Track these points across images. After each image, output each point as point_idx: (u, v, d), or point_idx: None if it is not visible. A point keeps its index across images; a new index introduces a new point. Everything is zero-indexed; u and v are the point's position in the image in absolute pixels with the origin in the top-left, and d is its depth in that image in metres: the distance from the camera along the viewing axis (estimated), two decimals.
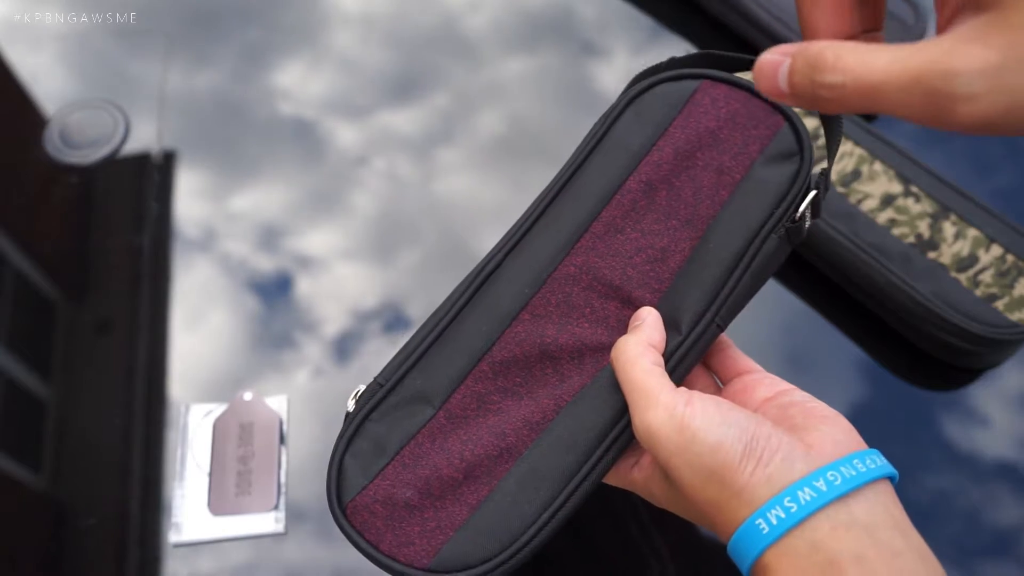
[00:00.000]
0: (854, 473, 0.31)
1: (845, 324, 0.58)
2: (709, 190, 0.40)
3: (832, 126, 0.40)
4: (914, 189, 0.56)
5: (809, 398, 0.36)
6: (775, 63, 0.28)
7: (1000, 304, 0.52)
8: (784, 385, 0.37)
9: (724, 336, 0.41)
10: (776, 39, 0.65)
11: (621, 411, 0.37)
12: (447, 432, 0.37)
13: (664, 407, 0.33)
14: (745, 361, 0.40)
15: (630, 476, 0.38)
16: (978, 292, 0.53)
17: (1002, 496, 0.53)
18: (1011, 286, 0.53)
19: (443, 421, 0.38)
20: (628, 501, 0.51)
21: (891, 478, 0.32)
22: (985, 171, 0.66)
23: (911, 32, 0.64)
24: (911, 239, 0.55)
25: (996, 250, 0.54)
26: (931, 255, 0.54)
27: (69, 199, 0.63)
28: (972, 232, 0.55)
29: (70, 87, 0.67)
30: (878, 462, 0.32)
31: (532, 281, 0.39)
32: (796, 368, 0.57)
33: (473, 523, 0.36)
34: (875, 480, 0.31)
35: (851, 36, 0.29)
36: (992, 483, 0.53)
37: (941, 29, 0.27)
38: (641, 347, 0.36)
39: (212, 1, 0.73)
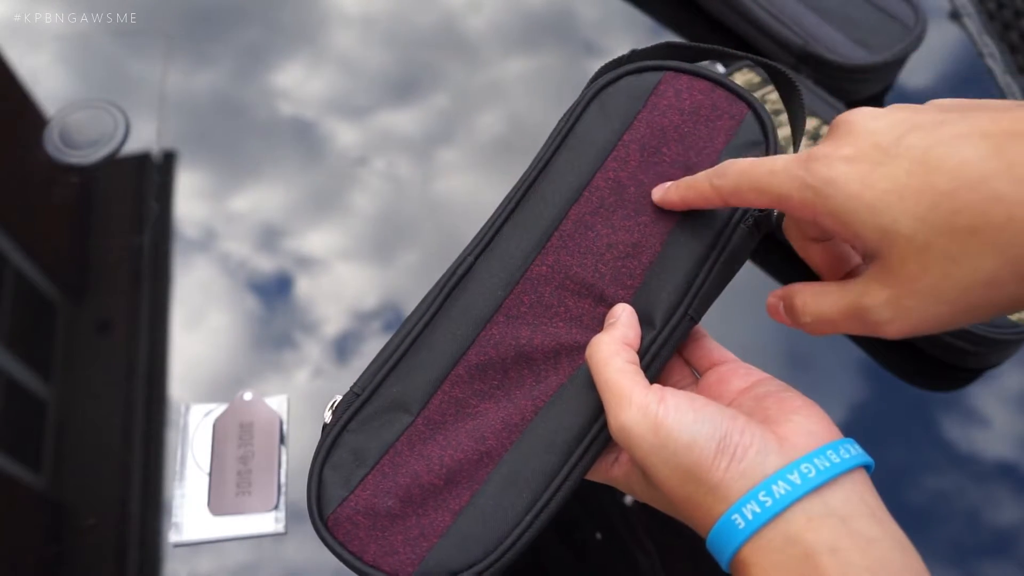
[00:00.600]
0: (827, 465, 0.31)
1: None
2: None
3: (794, 109, 0.40)
4: None
5: (784, 387, 0.36)
6: (775, 305, 0.37)
7: None
8: (759, 375, 0.37)
9: (699, 327, 0.41)
10: (776, 39, 0.65)
11: (599, 409, 0.36)
12: (426, 438, 0.37)
13: (638, 407, 0.33)
14: (720, 351, 0.40)
15: (610, 473, 0.38)
16: None
17: (1002, 496, 0.53)
18: None
19: (421, 428, 0.38)
20: (615, 501, 0.51)
21: (866, 467, 0.32)
22: None
23: (911, 33, 0.64)
24: None
25: None
26: None
27: (69, 199, 0.63)
28: None
29: (70, 87, 0.67)
30: (852, 452, 0.32)
31: (504, 283, 0.39)
32: (796, 368, 0.57)
33: (456, 529, 0.36)
34: (850, 470, 0.31)
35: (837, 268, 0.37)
36: (992, 483, 0.53)
37: (858, 268, 0.36)
38: (615, 346, 0.36)
39: (212, 1, 0.73)
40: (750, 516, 0.30)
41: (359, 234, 0.62)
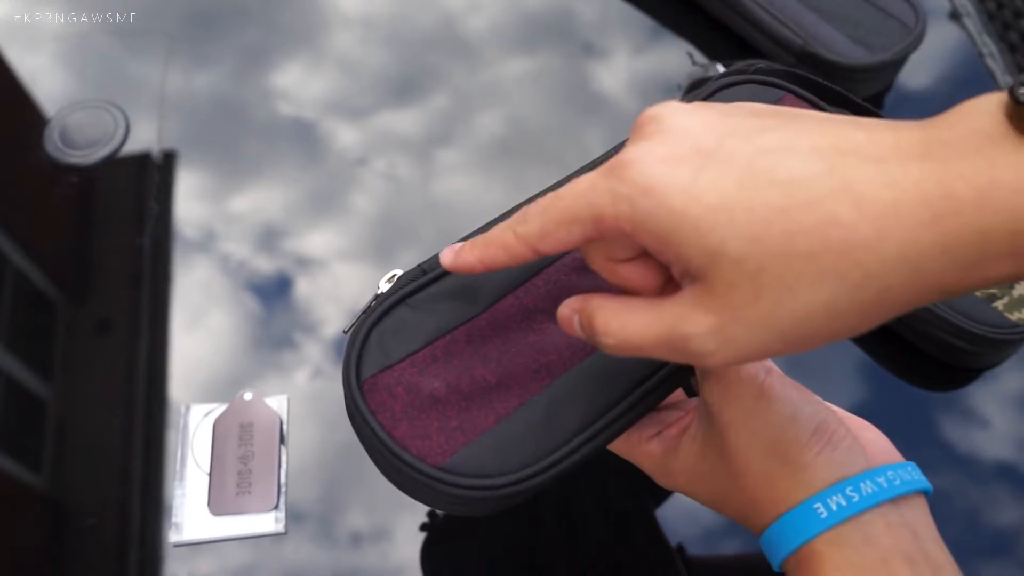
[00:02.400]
0: (908, 479, 0.31)
1: None
2: None
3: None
4: None
5: (843, 411, 0.36)
6: (569, 317, 0.31)
7: (1000, 304, 0.52)
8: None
9: None
10: (775, 39, 0.65)
11: (660, 362, 0.35)
12: (486, 336, 0.35)
13: (745, 369, 0.33)
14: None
15: (646, 447, 0.37)
16: (978, 292, 0.53)
17: (1002, 497, 0.53)
18: (1011, 286, 0.53)
19: (484, 324, 0.35)
20: (628, 498, 0.51)
21: (927, 493, 0.33)
22: None
23: (911, 33, 0.64)
24: None
25: None
26: None
27: (69, 199, 0.63)
28: None
29: (70, 87, 0.67)
30: (921, 475, 0.32)
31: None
32: (796, 368, 0.57)
33: (498, 432, 0.34)
34: (921, 491, 0.32)
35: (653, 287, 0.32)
36: (992, 484, 0.53)
37: (675, 282, 0.30)
38: None
39: (212, 1, 0.73)
40: (835, 507, 0.30)
41: (359, 234, 0.62)
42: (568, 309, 0.31)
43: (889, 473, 0.31)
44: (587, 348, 0.36)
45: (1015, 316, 0.52)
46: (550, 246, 0.30)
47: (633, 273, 0.31)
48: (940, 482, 0.53)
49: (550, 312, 0.36)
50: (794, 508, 0.31)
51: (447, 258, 0.33)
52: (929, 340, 0.54)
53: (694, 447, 0.35)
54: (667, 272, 0.31)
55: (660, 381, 0.35)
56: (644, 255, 0.31)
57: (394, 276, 0.36)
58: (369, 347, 0.35)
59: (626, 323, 0.29)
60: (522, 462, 0.33)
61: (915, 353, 0.56)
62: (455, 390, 0.34)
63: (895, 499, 0.31)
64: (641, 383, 0.35)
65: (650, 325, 0.28)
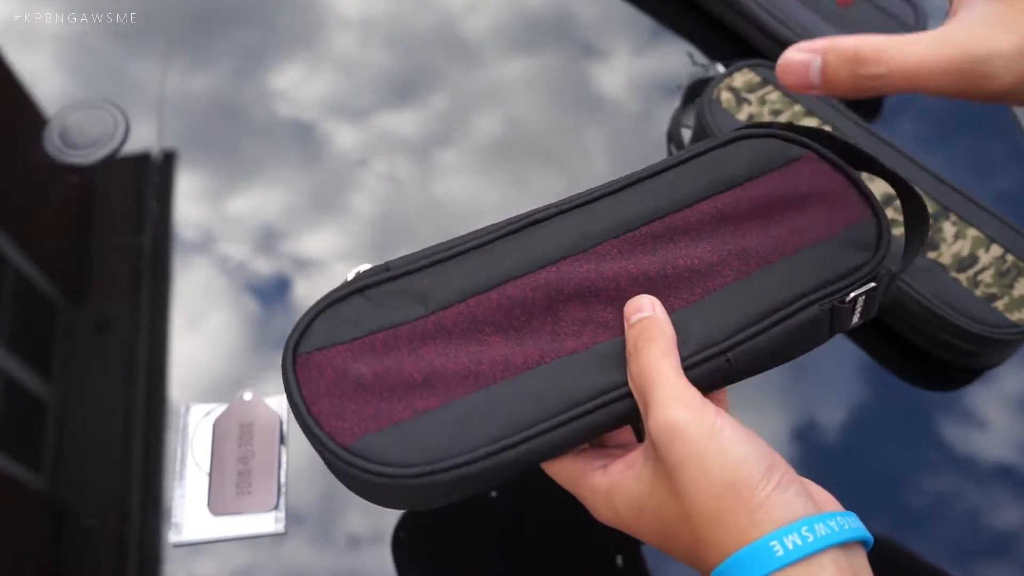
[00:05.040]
0: (855, 526, 0.32)
1: None
2: (775, 241, 0.40)
3: (915, 233, 0.40)
4: None
5: None
6: (804, 61, 0.31)
7: (1000, 304, 0.52)
8: None
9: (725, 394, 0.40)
10: (776, 39, 0.65)
11: (600, 391, 0.36)
12: (427, 338, 0.37)
13: (696, 409, 0.33)
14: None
15: (590, 479, 0.36)
16: (978, 292, 0.53)
17: (1001, 497, 0.53)
18: (1011, 286, 0.53)
19: (429, 326, 0.37)
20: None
21: (868, 544, 0.33)
22: (985, 173, 0.66)
23: (911, 33, 0.64)
24: None
25: (996, 250, 0.54)
26: (931, 255, 0.54)
27: (69, 199, 0.63)
28: (972, 232, 0.55)
29: (70, 87, 0.67)
30: (863, 525, 0.33)
31: (572, 245, 0.39)
32: (796, 368, 0.57)
33: (410, 427, 0.35)
34: (863, 541, 0.32)
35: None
36: (992, 484, 0.53)
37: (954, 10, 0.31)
38: (672, 342, 0.35)
39: (212, 2, 0.73)
40: (790, 546, 0.30)
41: (358, 235, 0.62)
42: (803, 52, 0.31)
43: (839, 518, 0.31)
44: (526, 364, 0.37)
45: (1015, 316, 0.52)
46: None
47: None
48: (939, 483, 0.53)
49: (500, 326, 0.37)
50: (749, 545, 0.31)
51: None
52: (929, 340, 0.54)
53: (641, 485, 0.35)
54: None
55: (583, 412, 0.36)
56: None
57: (360, 269, 0.38)
58: (314, 327, 0.37)
59: (904, 49, 0.29)
60: (426, 458, 0.34)
61: (915, 353, 0.56)
62: (380, 380, 0.36)
63: (843, 544, 0.31)
64: (568, 409, 0.35)
65: (935, 49, 0.28)
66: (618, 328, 0.38)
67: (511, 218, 0.40)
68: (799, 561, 0.30)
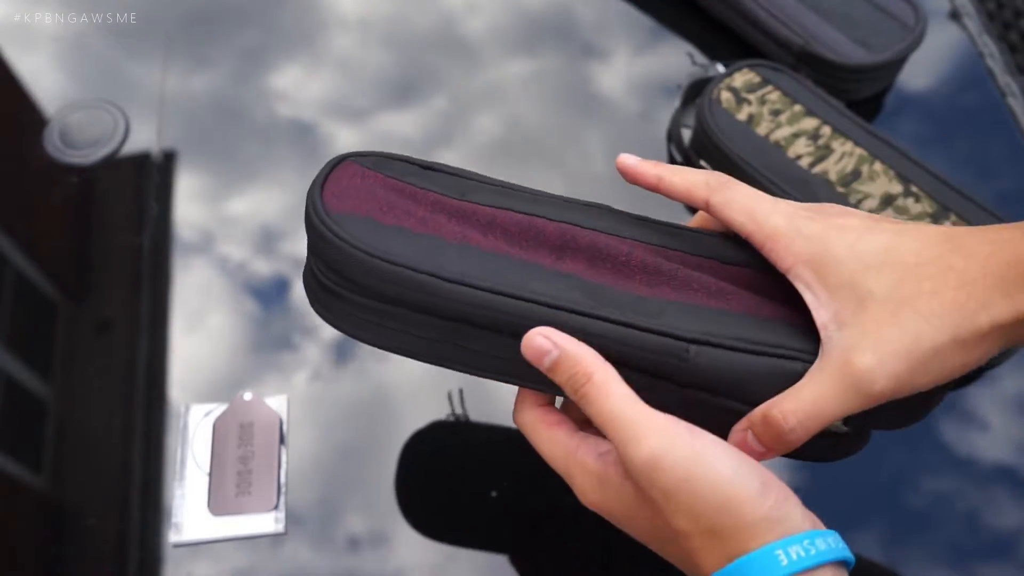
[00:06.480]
0: (843, 545, 0.33)
1: None
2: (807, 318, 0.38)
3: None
4: (914, 189, 0.56)
5: None
6: (743, 439, 0.35)
7: None
8: None
9: None
10: (775, 39, 0.65)
11: (567, 307, 0.35)
12: (450, 212, 0.39)
13: (668, 436, 0.32)
14: None
15: (583, 458, 0.35)
16: None
17: (1001, 498, 0.53)
18: None
19: (455, 205, 0.39)
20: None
21: (849, 565, 0.34)
22: (985, 173, 0.66)
23: (911, 33, 0.64)
24: None
25: None
26: None
27: (69, 199, 0.63)
28: None
29: (70, 87, 0.68)
30: (847, 545, 0.34)
31: (605, 226, 0.39)
32: None
33: (389, 230, 0.37)
34: (848, 560, 0.33)
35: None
36: (991, 485, 0.53)
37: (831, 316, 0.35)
38: (603, 367, 0.34)
39: (212, 2, 0.73)
40: (795, 557, 0.30)
41: None
42: (738, 432, 0.35)
43: (832, 538, 0.32)
44: (517, 258, 0.38)
45: None
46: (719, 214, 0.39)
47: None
48: (939, 484, 0.53)
49: (511, 236, 0.38)
50: (753, 552, 0.31)
51: (629, 160, 0.41)
52: None
53: (632, 493, 0.34)
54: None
55: (551, 306, 0.36)
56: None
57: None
58: (368, 156, 0.40)
59: (801, 397, 0.34)
60: (391, 256, 0.35)
61: None
62: (389, 205, 0.38)
63: (836, 562, 0.32)
64: (534, 297, 0.36)
65: (823, 384, 0.33)
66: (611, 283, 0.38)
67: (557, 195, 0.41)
68: (801, 573, 0.31)
